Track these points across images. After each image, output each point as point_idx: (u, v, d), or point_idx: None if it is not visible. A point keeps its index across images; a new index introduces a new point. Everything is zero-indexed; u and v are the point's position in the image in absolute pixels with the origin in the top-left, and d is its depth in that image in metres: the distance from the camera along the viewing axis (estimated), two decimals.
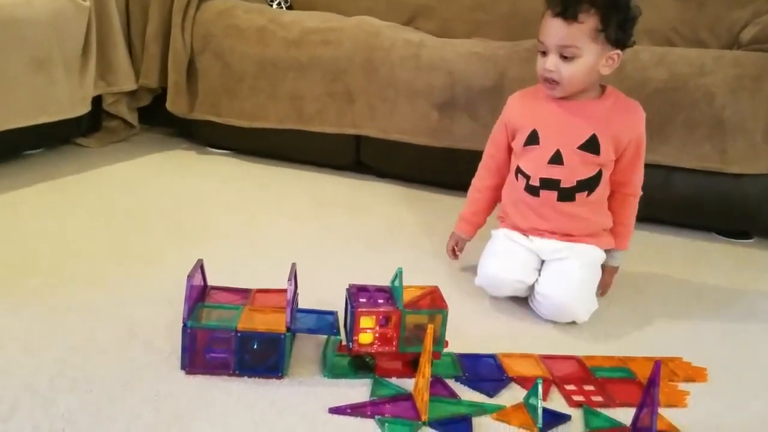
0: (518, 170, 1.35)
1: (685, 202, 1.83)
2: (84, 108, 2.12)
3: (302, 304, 1.16)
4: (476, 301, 1.37)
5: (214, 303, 1.10)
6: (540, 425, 0.96)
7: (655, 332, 1.31)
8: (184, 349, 1.02)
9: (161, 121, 2.42)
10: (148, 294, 1.28)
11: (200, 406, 0.96)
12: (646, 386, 0.94)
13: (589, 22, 1.21)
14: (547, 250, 1.33)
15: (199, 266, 1.10)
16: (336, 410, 0.97)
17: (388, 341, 1.04)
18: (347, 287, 1.10)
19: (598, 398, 1.05)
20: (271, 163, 2.25)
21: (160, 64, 2.30)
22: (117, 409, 0.94)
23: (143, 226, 1.65)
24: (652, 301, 1.44)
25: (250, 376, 1.03)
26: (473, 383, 1.07)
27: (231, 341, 1.02)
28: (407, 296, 1.08)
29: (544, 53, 1.26)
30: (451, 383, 1.07)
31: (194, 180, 2.05)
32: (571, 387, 1.08)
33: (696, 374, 1.16)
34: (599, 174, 1.30)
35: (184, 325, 1.01)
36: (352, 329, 1.03)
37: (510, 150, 1.40)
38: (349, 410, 0.97)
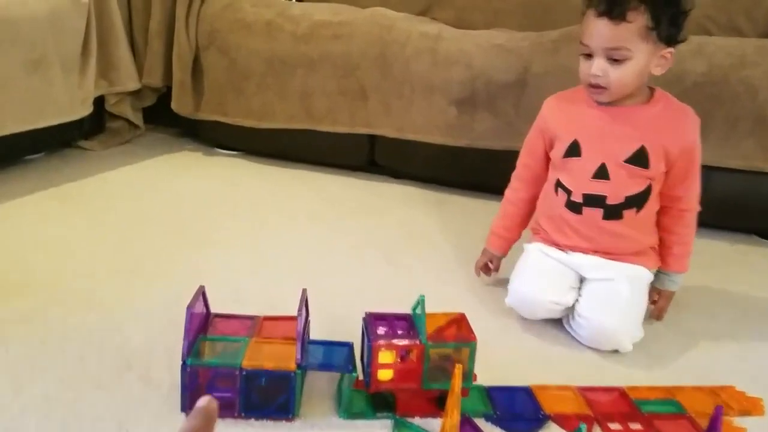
0: (558, 184, 1.23)
1: (726, 204, 1.69)
2: (85, 110, 2.02)
3: (314, 321, 1.05)
4: (506, 323, 1.25)
5: (218, 335, 0.99)
6: None
7: (701, 354, 1.19)
8: (184, 389, 0.92)
9: (166, 120, 2.33)
10: (148, 314, 1.19)
11: None
12: None
13: (638, 20, 1.08)
14: (587, 266, 1.21)
15: (201, 293, 0.99)
16: None
17: (410, 376, 0.94)
18: (363, 316, 0.99)
19: None
20: (281, 164, 2.16)
21: (164, 62, 2.20)
22: None
23: (145, 235, 1.56)
24: (694, 316, 1.32)
25: (257, 419, 0.93)
26: (506, 423, 0.96)
27: (236, 380, 0.92)
28: (430, 324, 0.97)
29: (589, 55, 1.13)
30: (481, 423, 0.96)
31: (200, 183, 1.96)
32: (616, 426, 0.96)
33: (752, 406, 1.04)
34: (648, 188, 1.18)
35: (184, 363, 0.91)
36: (370, 365, 0.93)
37: (548, 159, 1.27)
38: None
